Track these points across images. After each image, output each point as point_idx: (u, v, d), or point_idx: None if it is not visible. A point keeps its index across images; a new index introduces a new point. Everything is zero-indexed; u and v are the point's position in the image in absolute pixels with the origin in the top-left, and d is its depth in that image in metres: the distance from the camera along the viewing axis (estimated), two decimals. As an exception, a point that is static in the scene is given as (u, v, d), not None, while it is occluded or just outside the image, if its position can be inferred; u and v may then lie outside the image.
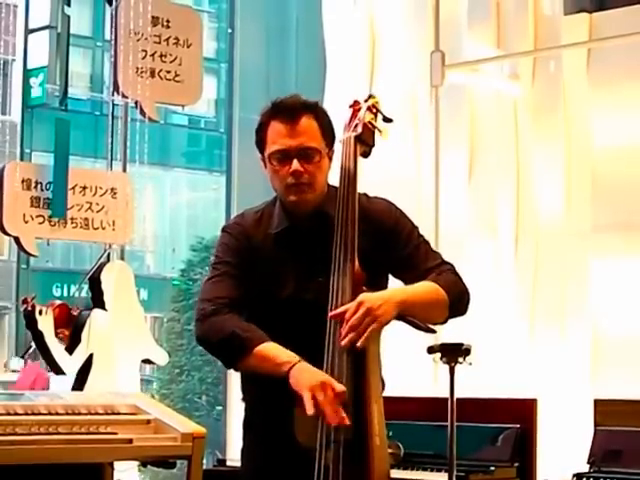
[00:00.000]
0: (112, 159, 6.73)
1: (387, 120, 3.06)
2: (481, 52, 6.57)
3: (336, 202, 2.94)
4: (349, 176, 2.96)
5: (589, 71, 6.24)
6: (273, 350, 2.86)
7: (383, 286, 3.01)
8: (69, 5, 7.24)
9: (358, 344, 2.78)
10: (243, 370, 2.99)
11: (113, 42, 6.44)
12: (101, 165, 8.38)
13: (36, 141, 16.77)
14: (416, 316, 2.91)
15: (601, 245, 6.05)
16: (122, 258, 6.66)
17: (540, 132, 6.33)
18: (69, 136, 6.44)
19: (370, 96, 3.09)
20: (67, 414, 2.98)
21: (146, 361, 6.58)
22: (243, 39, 9.80)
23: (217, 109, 21.05)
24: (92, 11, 19.92)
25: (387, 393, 2.96)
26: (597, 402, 4.97)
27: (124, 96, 6.44)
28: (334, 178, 3.01)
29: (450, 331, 3.30)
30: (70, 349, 6.22)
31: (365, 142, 3.02)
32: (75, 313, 6.32)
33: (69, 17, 7.20)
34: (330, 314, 2.84)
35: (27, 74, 17.08)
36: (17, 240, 6.34)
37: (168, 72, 6.58)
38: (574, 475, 4.67)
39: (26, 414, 2.92)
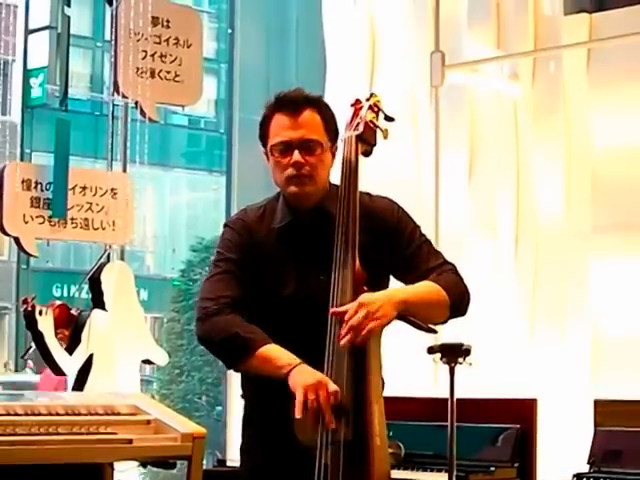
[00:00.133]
0: (112, 159, 6.72)
1: (388, 119, 3.06)
2: (481, 52, 6.57)
3: (337, 200, 2.95)
4: (350, 175, 2.96)
5: (589, 71, 6.24)
6: (274, 352, 2.86)
7: (384, 287, 3.01)
8: (69, 5, 7.23)
9: (357, 341, 2.78)
10: (244, 371, 2.99)
11: (113, 42, 6.44)
12: (101, 165, 8.38)
13: (36, 141, 16.78)
14: (417, 316, 2.92)
15: (601, 245, 6.05)
16: (122, 258, 6.65)
17: (540, 132, 6.33)
18: (69, 136, 6.43)
19: (372, 95, 3.10)
20: (67, 414, 2.98)
21: (146, 361, 6.57)
22: (243, 39, 9.79)
23: (217, 109, 21.07)
24: (92, 11, 19.94)
25: (387, 393, 2.96)
26: (597, 402, 4.97)
27: (124, 96, 6.44)
28: (336, 177, 3.01)
29: (450, 331, 3.30)
30: (70, 349, 6.21)
31: (366, 141, 3.02)
32: (75, 313, 6.32)
33: (69, 17, 7.19)
34: (331, 311, 2.84)
35: (27, 74, 17.10)
36: (17, 240, 6.33)
37: (168, 72, 6.58)
38: (574, 475, 4.68)
39: (26, 414, 2.92)
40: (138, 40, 6.43)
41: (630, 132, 6.02)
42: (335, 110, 3.09)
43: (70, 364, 6.21)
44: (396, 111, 3.13)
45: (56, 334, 6.23)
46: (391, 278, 3.07)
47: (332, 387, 2.77)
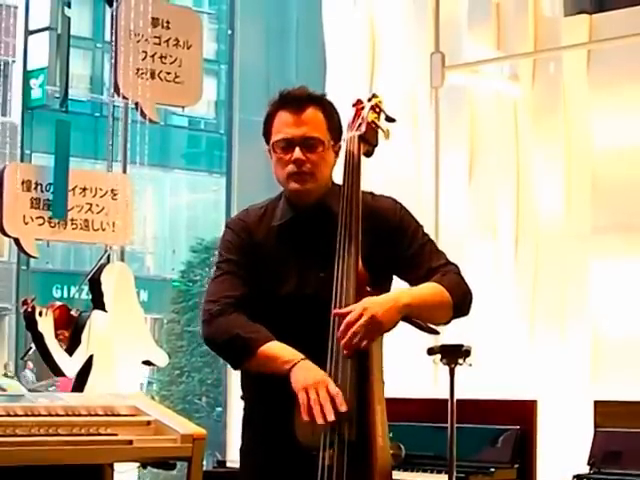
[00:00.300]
0: (112, 160, 6.73)
1: (390, 120, 3.06)
2: (481, 53, 6.57)
3: (340, 199, 2.95)
4: (353, 174, 2.96)
5: (589, 72, 6.24)
6: (277, 349, 2.87)
7: (387, 285, 3.01)
8: (69, 6, 7.24)
9: (360, 345, 2.78)
10: (250, 370, 3.00)
11: (113, 43, 6.44)
12: (101, 166, 8.38)
13: (36, 142, 16.78)
14: (420, 318, 2.91)
15: (601, 246, 6.05)
16: (122, 259, 6.66)
17: (540, 133, 6.33)
18: (69, 137, 6.44)
19: (373, 95, 3.10)
20: (67, 415, 2.98)
21: (146, 362, 6.57)
22: (243, 40, 9.79)
23: (217, 110, 21.07)
24: (92, 12, 19.94)
25: (387, 394, 2.95)
26: (597, 403, 4.97)
27: (124, 97, 6.44)
28: (338, 177, 3.01)
29: (450, 332, 3.30)
30: (70, 350, 6.22)
31: (368, 141, 3.02)
32: (75, 314, 6.32)
33: (69, 18, 7.20)
34: (334, 311, 2.84)
35: (27, 75, 17.10)
36: (17, 241, 6.34)
37: (168, 73, 6.58)
38: (574, 476, 4.68)
39: (26, 415, 2.93)
40: (138, 41, 6.43)
41: (630, 133, 6.02)
42: (335, 111, 3.09)
43: (70, 365, 6.21)
44: (396, 112, 3.13)
45: (56, 335, 6.23)
46: (394, 277, 3.07)
47: (333, 389, 2.77)
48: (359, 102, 3.09)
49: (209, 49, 17.61)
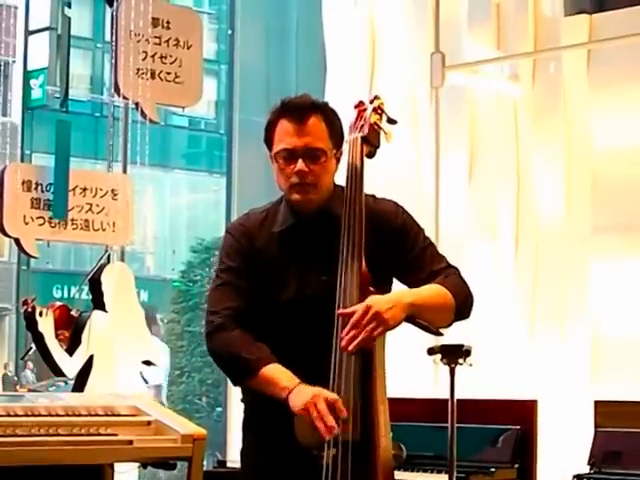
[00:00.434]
0: (112, 160, 6.73)
1: (391, 122, 3.06)
2: (481, 53, 6.57)
3: (342, 202, 2.94)
4: (356, 176, 2.96)
5: (589, 72, 6.24)
6: (275, 374, 2.86)
7: (387, 289, 3.01)
8: (69, 6, 7.23)
9: (364, 343, 2.78)
10: (250, 388, 3.00)
11: (113, 43, 6.44)
12: (101, 166, 8.36)
13: (36, 142, 16.79)
14: (423, 318, 2.91)
15: (601, 246, 6.05)
16: (122, 259, 6.65)
17: (540, 133, 6.33)
18: (70, 137, 6.44)
19: (375, 97, 3.09)
20: (67, 415, 2.98)
21: (146, 362, 6.57)
22: (243, 40, 9.77)
23: (217, 110, 21.05)
24: (92, 12, 19.94)
25: (387, 394, 2.96)
26: (597, 403, 4.97)
27: (124, 97, 6.44)
28: (340, 178, 3.01)
29: (450, 332, 3.30)
30: (70, 351, 6.21)
31: (371, 143, 3.02)
32: (75, 314, 6.32)
33: (69, 18, 7.19)
34: (338, 312, 2.84)
35: (27, 76, 17.10)
36: (17, 241, 6.34)
37: (168, 73, 6.58)
38: (574, 476, 4.68)
39: (26, 415, 2.92)
40: (138, 41, 6.43)
41: (630, 133, 6.02)
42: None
43: (70, 365, 6.21)
44: (396, 112, 3.13)
45: (56, 335, 6.23)
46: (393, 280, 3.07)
47: (331, 396, 2.77)
48: (361, 103, 3.09)
49: (209, 49, 17.59)
